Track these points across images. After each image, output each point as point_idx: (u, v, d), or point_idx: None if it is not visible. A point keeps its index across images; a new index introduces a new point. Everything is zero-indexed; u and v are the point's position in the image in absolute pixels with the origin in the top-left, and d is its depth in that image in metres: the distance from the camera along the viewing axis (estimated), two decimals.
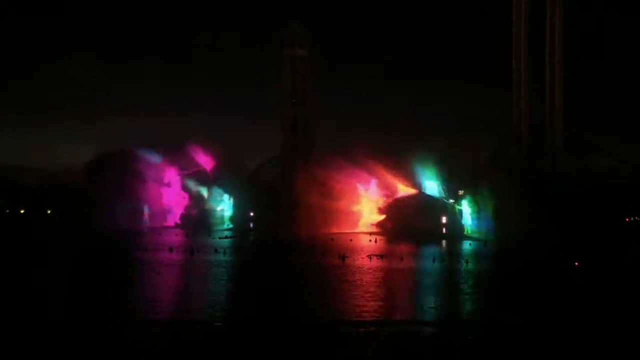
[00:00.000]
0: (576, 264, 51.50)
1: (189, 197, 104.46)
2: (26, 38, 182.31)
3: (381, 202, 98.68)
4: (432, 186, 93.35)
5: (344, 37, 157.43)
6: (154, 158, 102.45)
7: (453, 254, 65.07)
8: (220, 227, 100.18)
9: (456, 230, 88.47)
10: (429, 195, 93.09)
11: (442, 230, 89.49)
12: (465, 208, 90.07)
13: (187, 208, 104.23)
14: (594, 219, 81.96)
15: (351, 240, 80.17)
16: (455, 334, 29.13)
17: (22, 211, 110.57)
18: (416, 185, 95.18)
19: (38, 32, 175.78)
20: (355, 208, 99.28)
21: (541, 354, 25.67)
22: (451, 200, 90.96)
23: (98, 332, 28.09)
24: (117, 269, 49.75)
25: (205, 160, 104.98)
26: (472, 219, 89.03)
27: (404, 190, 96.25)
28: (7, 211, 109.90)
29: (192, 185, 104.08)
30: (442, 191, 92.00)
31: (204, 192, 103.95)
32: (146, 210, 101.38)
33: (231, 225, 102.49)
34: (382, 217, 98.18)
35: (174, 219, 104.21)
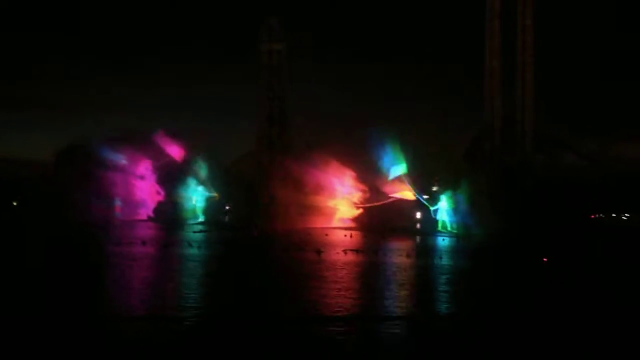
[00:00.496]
0: (544, 259, 52.82)
1: (162, 189, 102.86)
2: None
3: (357, 197, 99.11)
4: (405, 180, 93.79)
5: (322, 35, 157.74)
6: (126, 150, 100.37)
7: (427, 249, 65.87)
8: (194, 221, 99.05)
9: (431, 226, 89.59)
10: (406, 196, 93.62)
11: (416, 226, 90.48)
12: (441, 204, 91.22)
13: (160, 201, 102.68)
14: (562, 215, 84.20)
15: (327, 235, 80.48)
16: (428, 329, 29.58)
17: None
18: (392, 183, 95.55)
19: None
20: (331, 203, 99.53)
21: (510, 347, 26.29)
22: (426, 197, 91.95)
23: (63, 328, 27.55)
24: (86, 263, 48.75)
25: (176, 152, 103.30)
26: (448, 214, 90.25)
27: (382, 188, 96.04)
28: None
29: (165, 177, 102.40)
30: (416, 187, 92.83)
31: (178, 184, 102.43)
32: (118, 203, 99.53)
33: (205, 219, 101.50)
34: (358, 212, 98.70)
35: (147, 212, 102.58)
